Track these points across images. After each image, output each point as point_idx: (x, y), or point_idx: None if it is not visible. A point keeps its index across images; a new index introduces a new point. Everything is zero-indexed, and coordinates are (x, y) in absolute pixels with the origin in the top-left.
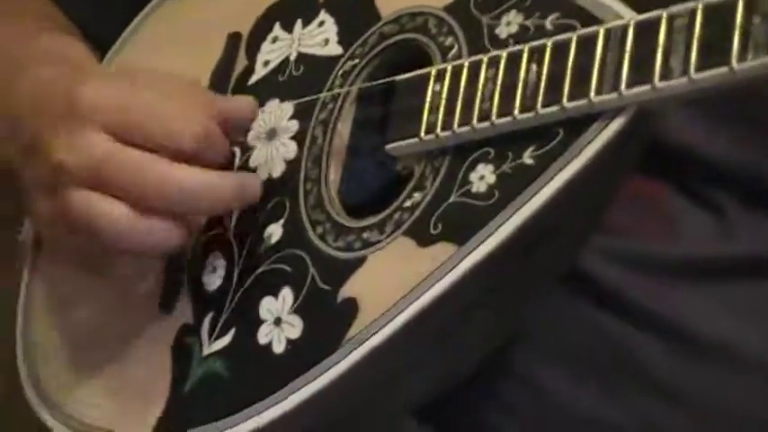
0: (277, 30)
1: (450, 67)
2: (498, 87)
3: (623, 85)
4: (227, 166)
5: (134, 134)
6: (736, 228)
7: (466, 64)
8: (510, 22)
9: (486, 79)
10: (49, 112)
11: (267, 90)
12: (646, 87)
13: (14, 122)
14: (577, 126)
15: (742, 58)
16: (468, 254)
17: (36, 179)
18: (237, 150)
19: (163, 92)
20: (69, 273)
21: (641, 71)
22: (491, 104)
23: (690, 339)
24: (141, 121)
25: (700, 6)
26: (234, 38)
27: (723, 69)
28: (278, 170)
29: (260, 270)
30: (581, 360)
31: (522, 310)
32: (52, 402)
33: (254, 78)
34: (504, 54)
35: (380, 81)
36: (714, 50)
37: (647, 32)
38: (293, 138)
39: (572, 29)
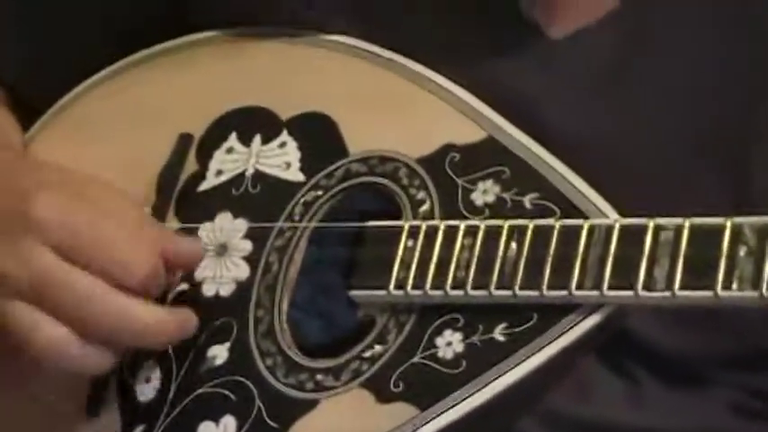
0: (233, 140)
1: (424, 226)
2: (475, 258)
3: (605, 286)
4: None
5: (81, 260)
6: (648, 400)
7: (442, 227)
8: (486, 191)
9: (463, 247)
10: None
11: (219, 201)
12: (629, 293)
13: None
14: (553, 313)
15: (726, 286)
16: (430, 420)
17: None
18: None
19: (120, 221)
20: None
21: (624, 276)
22: (466, 274)
23: None
24: (92, 250)
25: (686, 225)
26: (185, 138)
27: (708, 293)
28: (227, 289)
29: (200, 391)
30: None
31: None
32: None
33: (204, 185)
34: (482, 226)
35: (350, 224)
36: (699, 272)
37: (632, 238)
38: (245, 258)
39: (551, 213)
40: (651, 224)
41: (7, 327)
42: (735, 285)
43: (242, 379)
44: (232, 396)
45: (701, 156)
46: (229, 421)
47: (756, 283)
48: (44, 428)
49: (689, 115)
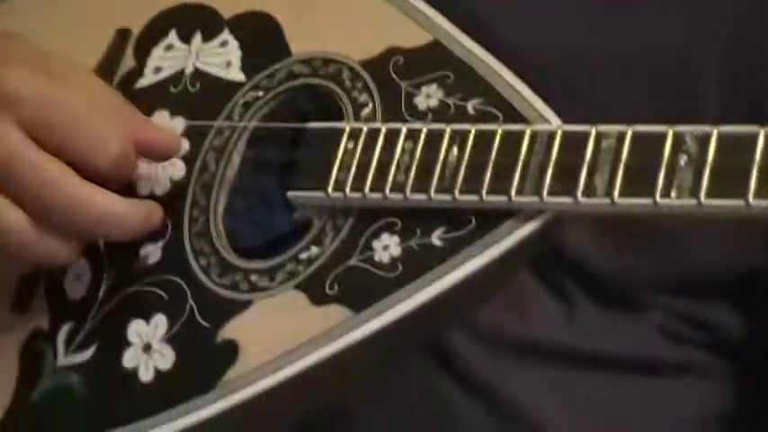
0: (172, 37)
1: (365, 129)
2: (416, 162)
3: (545, 192)
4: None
5: (52, 137)
6: (582, 321)
7: (383, 129)
8: (430, 95)
9: (404, 150)
10: None
11: (156, 98)
12: (568, 200)
13: None
14: (491, 219)
15: (665, 194)
16: (364, 323)
17: None
18: None
19: (92, 99)
20: None
21: (564, 182)
22: (406, 177)
23: (522, 419)
24: (64, 126)
25: (629, 132)
26: (122, 34)
27: (647, 201)
28: (161, 188)
29: (132, 289)
30: (407, 414)
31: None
32: None
33: (142, 82)
34: (424, 129)
35: (290, 125)
36: (639, 180)
37: (573, 144)
38: (182, 157)
39: (494, 118)
40: (593, 131)
41: None
42: (674, 193)
43: (175, 278)
44: (164, 295)
45: (653, 85)
46: (161, 320)
47: (695, 191)
48: None
49: (646, 44)
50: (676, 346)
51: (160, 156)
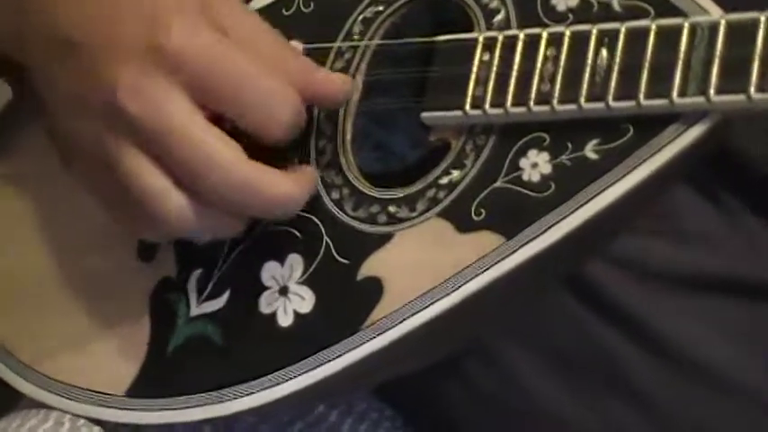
0: None
1: (501, 37)
2: (561, 69)
3: (712, 91)
4: None
5: (218, 102)
6: (752, 242)
7: (521, 36)
8: None
9: (546, 58)
10: (118, 29)
11: (269, 22)
12: (740, 97)
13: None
14: (651, 125)
15: None
16: (518, 248)
17: (79, 98)
18: None
19: (259, 54)
20: (36, 195)
21: (733, 78)
22: (552, 87)
23: (677, 355)
24: (231, 90)
25: None
26: None
27: None
28: None
29: (261, 230)
30: (558, 354)
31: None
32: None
33: (251, 6)
34: (567, 32)
35: (416, 40)
36: None
37: (740, 35)
38: None
39: (645, 14)
40: (763, 18)
41: (115, 171)
42: None
43: (306, 215)
44: (296, 233)
45: None
46: (296, 260)
47: None
48: (94, 278)
49: None
50: None
51: (330, 105)
